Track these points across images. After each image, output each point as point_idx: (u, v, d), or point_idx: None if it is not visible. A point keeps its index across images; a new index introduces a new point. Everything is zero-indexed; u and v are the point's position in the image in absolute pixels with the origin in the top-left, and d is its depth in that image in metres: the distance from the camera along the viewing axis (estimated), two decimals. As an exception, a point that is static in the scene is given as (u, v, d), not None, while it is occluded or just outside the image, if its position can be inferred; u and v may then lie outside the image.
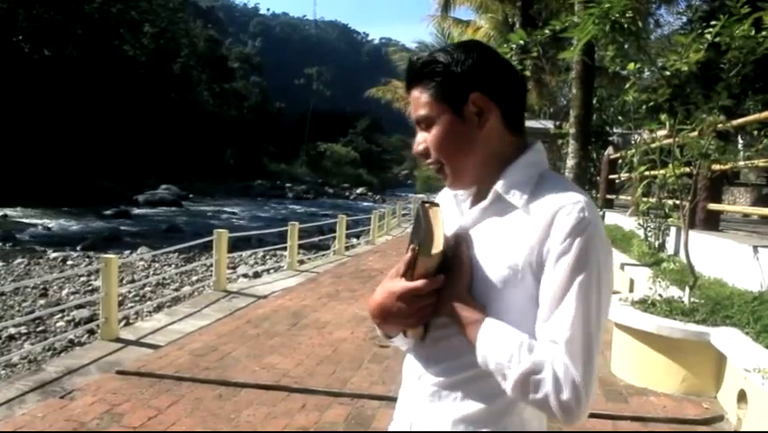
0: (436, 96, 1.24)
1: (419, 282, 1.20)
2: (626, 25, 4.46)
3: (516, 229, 1.18)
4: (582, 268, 1.12)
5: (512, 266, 1.17)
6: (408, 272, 1.21)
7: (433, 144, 1.26)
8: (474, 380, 1.20)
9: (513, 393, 1.13)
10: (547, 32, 5.07)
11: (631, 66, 4.75)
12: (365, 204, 48.60)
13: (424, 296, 1.20)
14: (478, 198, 1.29)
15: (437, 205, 1.27)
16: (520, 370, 1.10)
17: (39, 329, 9.23)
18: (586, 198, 1.17)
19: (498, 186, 1.23)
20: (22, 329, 9.06)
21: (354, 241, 16.18)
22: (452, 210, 1.34)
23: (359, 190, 64.80)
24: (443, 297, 1.21)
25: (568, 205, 1.15)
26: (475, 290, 1.21)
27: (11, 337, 8.78)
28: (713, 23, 4.33)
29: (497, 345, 1.14)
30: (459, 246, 1.23)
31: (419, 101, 1.26)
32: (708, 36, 4.35)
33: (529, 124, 18.84)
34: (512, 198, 1.21)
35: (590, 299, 1.12)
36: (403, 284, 1.21)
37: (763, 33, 4.18)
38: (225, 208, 37.98)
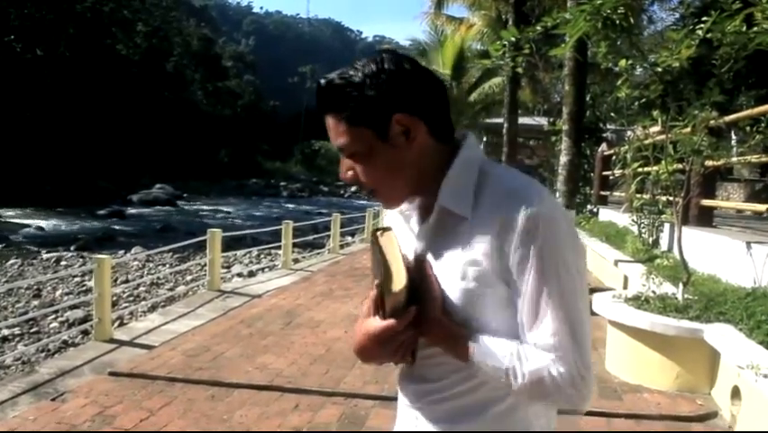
0: (354, 121, 1.16)
1: (392, 321, 1.16)
2: (617, 21, 4.46)
3: (472, 240, 1.14)
4: (551, 265, 1.10)
5: (478, 278, 1.14)
6: (380, 311, 1.18)
7: (362, 173, 1.20)
8: (472, 391, 1.18)
9: (522, 396, 1.14)
10: (539, 28, 5.06)
11: (623, 62, 4.74)
12: (360, 202, 48.52)
13: (402, 331, 1.17)
14: (424, 212, 1.25)
15: (389, 229, 1.23)
16: (523, 373, 1.10)
17: (32, 330, 9.18)
18: (534, 189, 1.14)
19: (441, 201, 1.18)
20: (16, 330, 9.02)
21: (349, 239, 16.12)
22: (402, 228, 1.29)
23: (353, 188, 64.66)
24: (421, 324, 1.17)
25: (516, 203, 1.11)
26: (449, 308, 1.17)
27: (4, 339, 8.73)
28: (704, 19, 4.33)
29: (490, 362, 1.13)
30: (423, 269, 1.19)
31: (337, 129, 1.18)
32: (700, 32, 4.34)
33: (523, 120, 18.89)
34: (459, 210, 1.17)
35: (567, 292, 1.11)
36: (377, 325, 1.18)
37: (755, 29, 4.18)
38: (220, 207, 37.86)
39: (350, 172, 1.22)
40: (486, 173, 1.18)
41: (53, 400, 4.15)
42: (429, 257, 1.21)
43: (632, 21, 4.88)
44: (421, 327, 1.18)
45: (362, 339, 1.22)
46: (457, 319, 1.17)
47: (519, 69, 8.68)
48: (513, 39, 5.41)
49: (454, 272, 1.16)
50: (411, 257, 1.22)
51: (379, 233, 1.21)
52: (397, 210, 1.30)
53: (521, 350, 1.12)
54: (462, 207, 1.16)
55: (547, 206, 1.12)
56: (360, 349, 1.24)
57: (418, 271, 1.19)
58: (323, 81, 1.19)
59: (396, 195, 1.23)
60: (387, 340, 1.18)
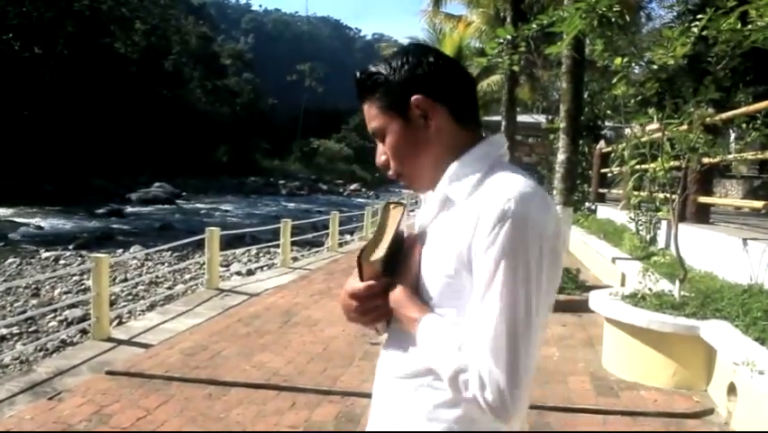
0: (382, 106, 1.27)
1: (359, 285, 1.26)
2: (613, 19, 4.46)
3: (456, 226, 1.18)
4: (506, 263, 1.09)
5: (452, 264, 1.17)
6: (360, 275, 1.27)
7: (390, 154, 1.29)
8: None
9: (449, 390, 1.14)
10: (534, 26, 5.05)
11: (618, 60, 4.74)
12: (359, 200, 48.55)
13: (372, 296, 1.25)
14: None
15: (402, 205, 1.31)
16: (450, 369, 1.12)
17: (31, 329, 9.18)
18: (522, 189, 1.13)
19: (441, 184, 1.24)
20: (14, 330, 9.02)
21: (348, 237, 16.13)
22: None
23: (352, 186, 64.67)
24: (389, 297, 1.25)
25: (495, 197, 1.12)
26: (425, 289, 1.22)
27: (2, 338, 8.74)
28: (699, 16, 4.33)
29: (432, 343, 1.16)
30: (411, 248, 1.26)
31: (370, 114, 1.29)
32: (695, 30, 4.34)
33: (521, 118, 18.88)
34: (453, 195, 1.22)
35: (517, 295, 1.09)
36: (350, 286, 1.28)
37: (750, 27, 4.18)
38: (219, 206, 37.86)
39: (383, 156, 1.31)
40: (494, 170, 1.20)
41: (50, 399, 4.16)
42: (426, 236, 1.27)
43: (628, 18, 4.88)
44: (390, 300, 1.25)
45: (342, 296, 1.31)
46: (428, 301, 1.21)
47: (515, 68, 8.65)
48: (509, 37, 5.41)
49: (437, 255, 1.21)
50: (408, 236, 1.29)
51: (392, 206, 1.31)
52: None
53: (461, 341, 1.12)
54: (457, 194, 1.21)
55: (525, 207, 1.11)
56: (341, 305, 1.32)
57: (408, 249, 1.27)
58: (358, 72, 1.31)
59: (417, 176, 1.29)
60: (359, 300, 1.26)
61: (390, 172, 1.31)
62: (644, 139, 5.85)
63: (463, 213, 1.17)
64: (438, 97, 1.24)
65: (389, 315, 1.27)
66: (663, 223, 7.41)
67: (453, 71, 1.28)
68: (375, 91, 1.27)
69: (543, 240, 1.12)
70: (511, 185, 1.14)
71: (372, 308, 1.27)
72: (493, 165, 1.22)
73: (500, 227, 1.10)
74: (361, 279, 1.26)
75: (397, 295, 1.23)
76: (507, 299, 1.09)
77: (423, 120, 1.24)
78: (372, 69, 1.29)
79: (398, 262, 1.25)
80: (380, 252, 1.24)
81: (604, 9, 4.41)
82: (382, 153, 1.30)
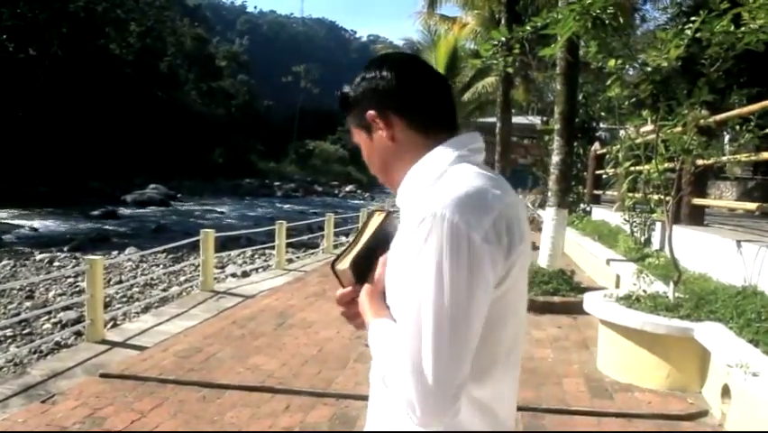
0: (354, 123, 1.34)
1: (341, 291, 1.32)
2: (607, 21, 4.47)
3: (400, 234, 1.19)
4: (420, 270, 1.06)
5: (392, 275, 1.20)
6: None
7: (367, 163, 1.35)
8: None
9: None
10: (529, 28, 5.06)
11: (612, 62, 4.75)
12: (355, 202, 48.53)
13: (351, 302, 1.30)
14: None
15: (385, 211, 1.37)
16: (380, 375, 1.17)
17: (25, 332, 9.15)
18: (450, 192, 1.09)
19: (398, 194, 1.28)
20: (8, 332, 8.98)
21: (344, 239, 16.12)
22: None
23: (348, 188, 64.65)
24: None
25: (424, 204, 1.10)
26: (387, 296, 1.24)
27: (-4, 341, 8.70)
28: (693, 18, 4.34)
29: (376, 347, 1.18)
30: (381, 256, 1.28)
31: (351, 131, 1.36)
32: (689, 32, 4.36)
33: (516, 120, 18.91)
34: (402, 204, 1.26)
35: (428, 309, 1.04)
36: (338, 292, 1.33)
37: (743, 29, 4.20)
38: (214, 207, 37.77)
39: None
40: (447, 172, 1.17)
41: (43, 402, 4.14)
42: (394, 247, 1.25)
43: (621, 20, 4.89)
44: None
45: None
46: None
47: (510, 69, 8.65)
48: (503, 39, 5.42)
49: (390, 264, 1.22)
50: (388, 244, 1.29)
51: (376, 213, 1.37)
52: None
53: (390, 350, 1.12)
54: (405, 202, 1.23)
55: (452, 210, 1.06)
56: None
57: (380, 257, 1.28)
58: (338, 93, 1.37)
59: (393, 183, 1.31)
60: (341, 306, 1.32)
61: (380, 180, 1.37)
62: (638, 141, 5.86)
63: (407, 219, 1.16)
64: (393, 109, 1.26)
65: None
66: (658, 224, 7.43)
67: (413, 79, 1.26)
68: (348, 109, 1.34)
69: (463, 244, 1.05)
70: (445, 188, 1.11)
71: (354, 314, 1.29)
72: (445, 172, 1.18)
73: (420, 232, 1.08)
74: (342, 285, 1.31)
75: (360, 299, 1.27)
76: (418, 314, 1.05)
77: (381, 133, 1.27)
78: (345, 88, 1.35)
79: (367, 269, 1.29)
80: (347, 260, 1.29)
81: (598, 11, 4.42)
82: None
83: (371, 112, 1.27)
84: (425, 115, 1.25)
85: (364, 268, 1.29)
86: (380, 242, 1.29)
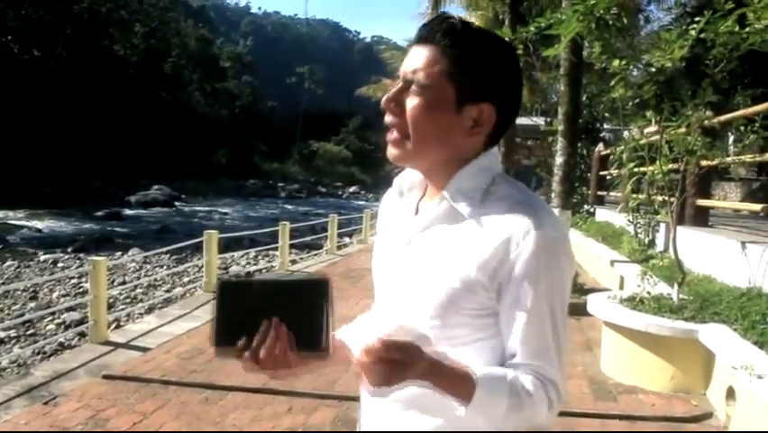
0: (449, 72, 1.11)
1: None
2: (610, 22, 4.45)
3: (466, 240, 1.13)
4: (549, 288, 1.13)
5: (464, 279, 1.12)
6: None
7: (411, 111, 1.14)
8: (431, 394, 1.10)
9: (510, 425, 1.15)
10: (532, 29, 5.05)
11: (616, 63, 4.74)
12: (358, 202, 48.57)
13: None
14: (426, 198, 1.26)
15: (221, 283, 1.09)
16: (522, 415, 1.12)
17: (28, 332, 9.17)
18: (544, 208, 1.16)
19: (447, 192, 1.16)
20: (12, 333, 9.00)
21: (347, 240, 16.14)
22: (395, 208, 1.31)
23: (351, 189, 64.76)
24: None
25: (528, 223, 1.10)
26: (425, 301, 1.15)
27: (0, 341, 8.72)
28: (697, 19, 4.33)
29: (491, 403, 1.08)
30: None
31: (425, 61, 1.12)
32: (693, 32, 4.34)
33: (520, 120, 18.85)
34: (460, 207, 1.15)
35: (557, 314, 1.15)
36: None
37: (747, 30, 4.18)
38: (218, 208, 37.86)
39: (393, 102, 1.16)
40: (497, 183, 1.18)
41: (46, 403, 4.14)
42: (414, 246, 1.20)
43: (625, 21, 4.88)
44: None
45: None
46: (427, 322, 1.14)
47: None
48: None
49: (441, 268, 1.14)
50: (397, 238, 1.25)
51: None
52: (398, 190, 1.30)
53: (521, 385, 1.11)
54: (465, 205, 1.15)
55: (555, 229, 1.14)
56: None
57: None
58: (452, 19, 1.14)
59: (417, 155, 1.17)
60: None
61: (389, 119, 1.17)
62: (642, 142, 5.84)
63: (475, 230, 1.13)
64: (500, 117, 1.16)
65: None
66: (662, 226, 7.40)
67: (521, 93, 1.21)
68: (453, 52, 1.11)
69: (570, 261, 1.18)
70: (536, 206, 1.15)
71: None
72: (494, 178, 1.19)
73: (541, 256, 1.10)
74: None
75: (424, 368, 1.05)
76: (550, 314, 1.14)
77: (470, 122, 1.14)
78: (474, 33, 1.13)
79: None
80: (213, 334, 1.08)
81: (601, 12, 4.41)
82: (397, 97, 1.16)
83: (491, 108, 1.14)
84: (504, 132, 1.22)
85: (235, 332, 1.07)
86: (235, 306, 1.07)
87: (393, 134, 1.17)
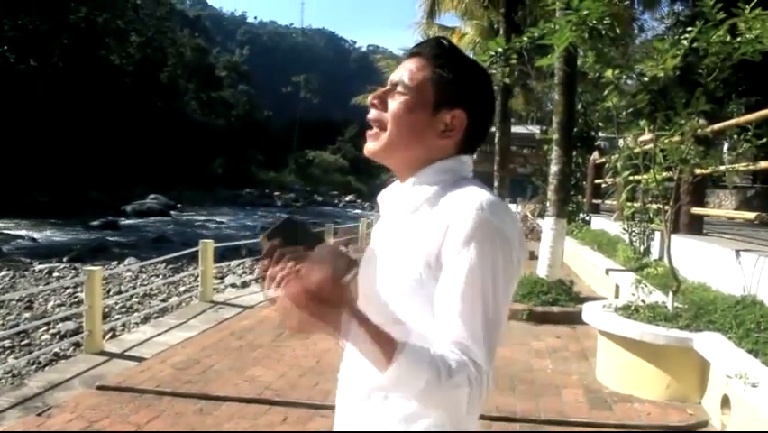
0: (434, 81, 1.24)
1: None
2: (604, 32, 4.47)
3: (423, 232, 1.19)
4: (479, 266, 1.13)
5: (414, 269, 1.18)
6: None
7: (393, 107, 1.25)
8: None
9: (423, 405, 1.15)
10: (526, 39, 5.07)
11: (609, 72, 4.76)
12: (355, 211, 48.60)
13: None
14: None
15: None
16: (438, 394, 1.09)
17: (23, 343, 9.12)
18: (489, 199, 1.17)
19: (405, 187, 1.27)
20: (6, 343, 8.95)
21: (342, 249, 16.09)
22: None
23: (348, 198, 64.79)
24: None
25: (465, 206, 1.16)
26: (385, 293, 1.21)
27: (-6, 352, 8.68)
28: (690, 28, 4.35)
29: (413, 375, 1.07)
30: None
31: (413, 69, 1.26)
32: (685, 42, 4.36)
33: (515, 129, 18.96)
34: (417, 200, 1.24)
35: (487, 294, 1.14)
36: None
37: (739, 39, 4.21)
38: (214, 218, 37.83)
39: (377, 99, 1.28)
40: (460, 183, 1.23)
41: (40, 414, 4.12)
42: (379, 240, 1.31)
43: (618, 30, 4.90)
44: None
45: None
46: (386, 315, 1.17)
47: (507, 80, 8.66)
48: (500, 49, 5.42)
49: (401, 261, 1.20)
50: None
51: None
52: (379, 199, 1.37)
53: (445, 362, 1.08)
54: (421, 199, 1.23)
55: (497, 218, 1.16)
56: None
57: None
58: (443, 38, 1.30)
59: (389, 149, 1.26)
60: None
61: (371, 115, 1.28)
62: (636, 150, 5.86)
63: (430, 220, 1.19)
64: (472, 125, 1.26)
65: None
66: (657, 234, 7.42)
67: (493, 111, 1.33)
68: (438, 62, 1.25)
69: (509, 248, 1.17)
70: (480, 196, 1.17)
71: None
72: (456, 179, 1.25)
73: (474, 234, 1.13)
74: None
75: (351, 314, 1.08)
76: (481, 297, 1.13)
77: (442, 126, 1.24)
78: (456, 51, 1.28)
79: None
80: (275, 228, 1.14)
81: (594, 21, 4.43)
82: (381, 96, 1.28)
83: (463, 114, 1.24)
84: (474, 145, 1.30)
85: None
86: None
87: (373, 129, 1.28)
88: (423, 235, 1.18)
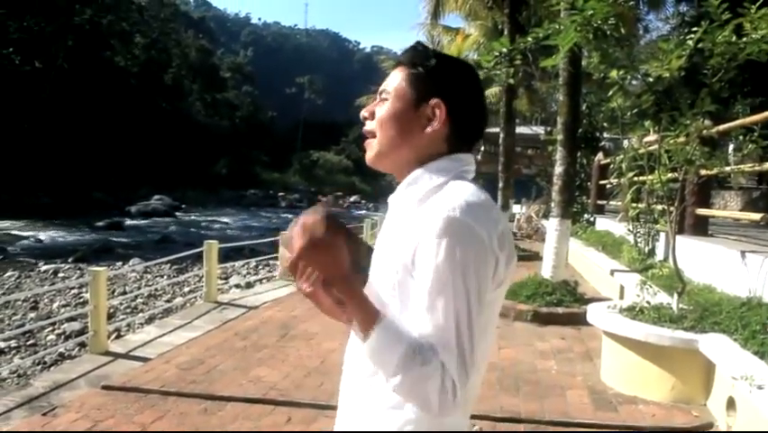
0: (410, 80, 1.30)
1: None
2: (608, 32, 4.46)
3: (404, 230, 1.23)
4: (448, 267, 1.14)
5: (398, 268, 1.21)
6: None
7: (380, 114, 1.32)
8: None
9: (397, 392, 1.16)
10: (530, 39, 5.07)
11: (614, 73, 4.75)
12: (359, 212, 48.57)
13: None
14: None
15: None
16: (410, 377, 1.12)
17: (29, 343, 9.14)
18: (465, 198, 1.18)
19: (400, 187, 1.31)
20: (12, 343, 8.97)
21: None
22: None
23: (352, 198, 64.77)
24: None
25: (440, 205, 1.18)
26: (378, 289, 1.25)
27: (0, 352, 8.69)
28: (695, 29, 4.34)
29: (386, 349, 1.15)
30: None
31: (395, 77, 1.32)
32: (691, 42, 4.35)
33: (520, 130, 18.95)
34: (406, 200, 1.28)
35: (459, 296, 1.14)
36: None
37: (744, 39, 4.19)
38: (218, 218, 37.87)
39: (367, 111, 1.35)
40: (450, 185, 1.24)
41: (45, 414, 4.13)
42: (378, 241, 1.34)
43: (623, 31, 4.89)
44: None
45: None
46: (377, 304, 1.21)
47: (511, 80, 8.66)
48: (505, 50, 5.42)
49: (385, 261, 1.26)
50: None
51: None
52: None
53: (419, 349, 1.13)
54: (410, 199, 1.27)
55: (467, 216, 1.16)
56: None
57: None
58: (418, 43, 1.39)
59: (383, 154, 1.32)
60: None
61: (365, 128, 1.35)
62: (641, 151, 5.85)
63: (414, 219, 1.22)
64: (454, 117, 1.28)
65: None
66: (662, 235, 7.40)
67: (479, 103, 1.34)
68: (412, 62, 1.31)
69: (482, 248, 1.17)
70: (458, 194, 1.19)
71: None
72: (450, 178, 1.26)
73: (443, 235, 1.14)
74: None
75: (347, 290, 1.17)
76: (453, 299, 1.14)
77: (426, 120, 1.28)
78: (430, 50, 1.34)
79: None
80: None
81: (599, 22, 4.42)
82: (371, 109, 1.35)
83: (439, 102, 1.27)
84: (465, 137, 1.32)
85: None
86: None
87: (368, 140, 1.35)
88: (404, 236, 1.21)
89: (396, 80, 1.32)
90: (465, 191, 1.20)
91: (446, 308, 1.13)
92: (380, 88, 1.34)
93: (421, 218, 1.19)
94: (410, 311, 1.18)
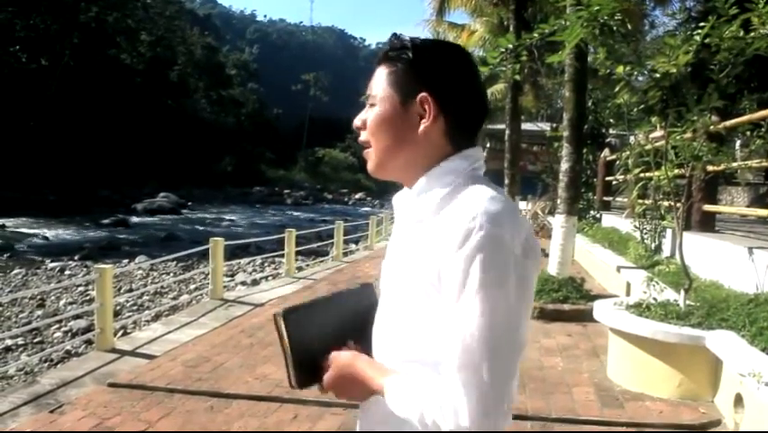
0: (391, 80, 1.21)
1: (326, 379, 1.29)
2: (615, 28, 4.44)
3: (423, 243, 1.14)
4: (477, 282, 1.05)
5: (422, 284, 1.13)
6: None
7: (370, 123, 1.24)
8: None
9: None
10: (536, 35, 5.04)
11: (620, 69, 4.73)
12: (364, 209, 48.64)
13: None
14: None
15: (280, 316, 1.29)
16: (431, 420, 1.07)
17: (36, 340, 9.19)
18: (491, 206, 1.09)
19: (410, 198, 1.22)
20: (20, 340, 9.02)
21: (353, 246, 16.11)
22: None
23: (357, 195, 64.86)
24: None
25: (463, 214, 1.09)
26: (391, 304, 1.22)
27: (7, 349, 8.73)
28: (702, 24, 4.32)
29: (407, 397, 1.12)
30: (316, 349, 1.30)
31: (377, 78, 1.24)
32: (698, 38, 4.33)
33: (526, 126, 18.88)
34: (421, 212, 1.18)
35: (490, 313, 1.05)
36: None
37: (752, 34, 4.17)
38: (224, 216, 37.95)
39: (360, 120, 1.26)
40: (464, 186, 1.16)
41: (52, 411, 4.14)
42: (391, 250, 1.28)
43: (630, 26, 4.87)
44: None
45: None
46: (394, 316, 1.21)
47: (517, 77, 8.63)
48: (510, 46, 5.40)
49: (404, 271, 1.18)
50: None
51: (277, 318, 1.28)
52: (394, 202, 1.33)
53: (435, 395, 1.08)
54: (424, 210, 1.18)
55: (494, 226, 1.07)
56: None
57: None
58: (394, 35, 1.26)
59: (381, 162, 1.25)
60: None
61: (360, 138, 1.27)
62: (647, 147, 5.82)
63: (432, 230, 1.14)
64: (445, 109, 1.19)
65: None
66: (668, 231, 7.37)
67: (473, 88, 1.23)
68: (396, 61, 1.21)
69: (511, 258, 1.08)
70: (478, 201, 1.10)
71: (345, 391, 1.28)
72: (463, 180, 1.18)
73: (469, 246, 1.06)
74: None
75: (348, 372, 1.24)
76: (483, 317, 1.05)
77: (417, 118, 1.19)
78: (406, 41, 1.22)
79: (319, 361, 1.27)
80: (293, 375, 1.29)
81: (605, 18, 4.40)
82: (362, 117, 1.26)
83: (426, 96, 1.18)
84: (464, 128, 1.22)
85: (312, 366, 1.28)
86: (305, 338, 1.28)
87: (365, 150, 1.27)
88: (423, 252, 1.13)
89: (379, 82, 1.23)
90: (484, 197, 1.11)
91: (479, 328, 1.05)
92: (366, 92, 1.25)
93: (440, 231, 1.11)
94: (436, 331, 1.11)
